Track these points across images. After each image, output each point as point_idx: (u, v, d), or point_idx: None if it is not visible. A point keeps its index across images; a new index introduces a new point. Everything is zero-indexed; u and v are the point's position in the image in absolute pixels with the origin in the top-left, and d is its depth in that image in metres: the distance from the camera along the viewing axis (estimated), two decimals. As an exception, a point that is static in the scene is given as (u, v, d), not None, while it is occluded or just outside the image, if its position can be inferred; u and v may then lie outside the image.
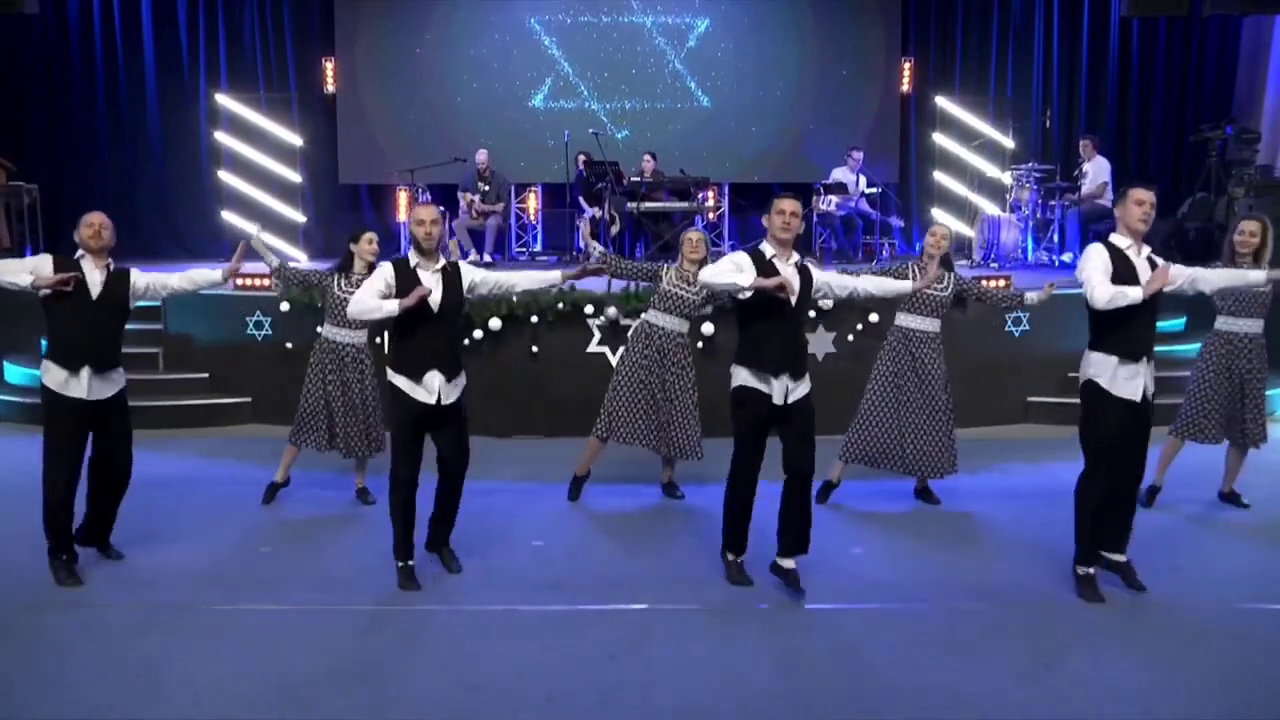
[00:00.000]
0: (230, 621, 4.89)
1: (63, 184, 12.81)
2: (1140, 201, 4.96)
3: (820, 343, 8.41)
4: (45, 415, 5.31)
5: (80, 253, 5.39)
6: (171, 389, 8.88)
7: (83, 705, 4.12)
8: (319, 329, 6.76)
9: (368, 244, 6.59)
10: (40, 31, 12.66)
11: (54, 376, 5.27)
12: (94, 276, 5.33)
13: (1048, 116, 13.23)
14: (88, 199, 12.81)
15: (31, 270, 5.27)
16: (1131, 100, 13.52)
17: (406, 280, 5.05)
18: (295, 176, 12.77)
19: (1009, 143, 12.78)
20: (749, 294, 4.95)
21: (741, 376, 5.10)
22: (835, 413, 6.73)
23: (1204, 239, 11.39)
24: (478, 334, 8.34)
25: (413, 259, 5.13)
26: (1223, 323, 6.44)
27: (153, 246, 13.03)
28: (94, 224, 5.34)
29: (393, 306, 4.98)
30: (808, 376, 5.17)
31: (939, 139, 13.04)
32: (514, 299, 8.28)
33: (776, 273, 4.99)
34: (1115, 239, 5.03)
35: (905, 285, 5.89)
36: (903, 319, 6.55)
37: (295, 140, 12.70)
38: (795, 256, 5.13)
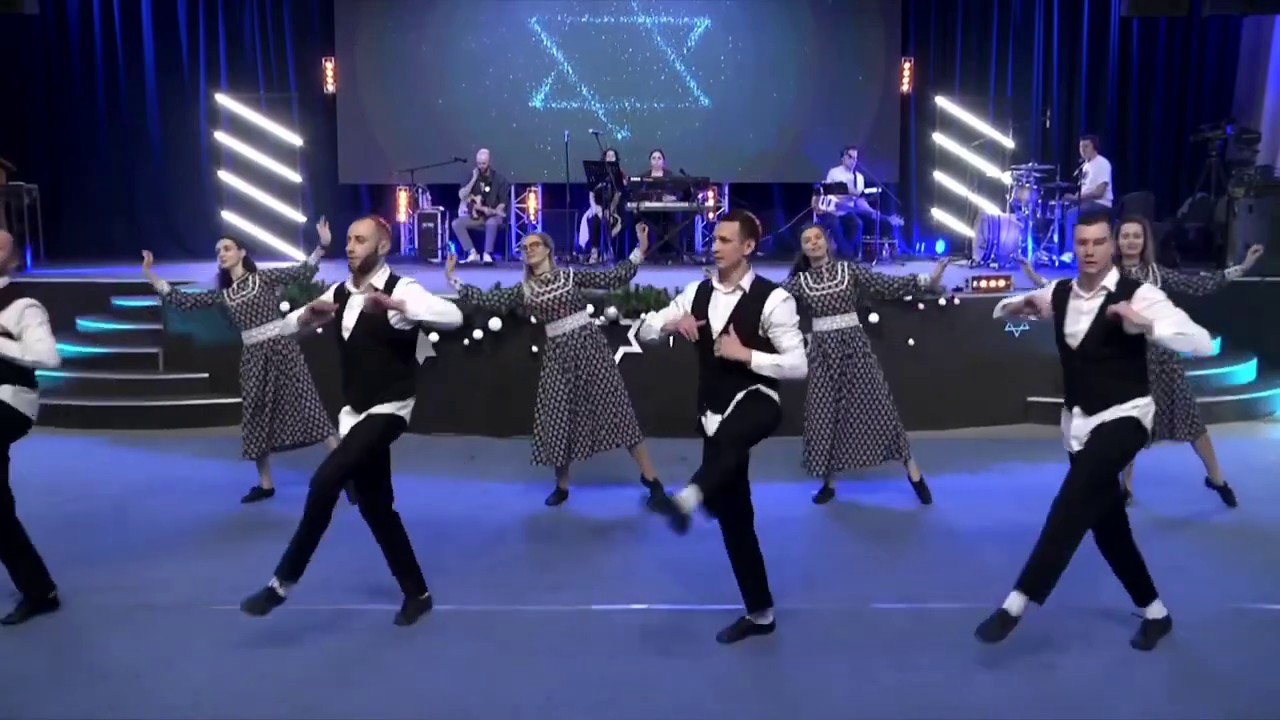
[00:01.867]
0: (230, 621, 4.89)
1: (63, 184, 12.81)
2: (1081, 240, 4.38)
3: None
4: None
5: None
6: (171, 389, 8.88)
7: (83, 705, 4.12)
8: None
9: (225, 250, 6.79)
10: (40, 31, 12.65)
11: None
12: None
13: (1048, 116, 13.22)
14: (88, 199, 12.92)
15: None
16: (1131, 100, 13.52)
17: (340, 302, 4.75)
18: (295, 176, 12.76)
19: (1009, 143, 12.78)
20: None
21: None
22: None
23: (1204, 239, 11.39)
24: (478, 334, 8.33)
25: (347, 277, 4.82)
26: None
27: (153, 246, 12.76)
28: None
29: (290, 321, 4.86)
30: (732, 406, 4.51)
31: (939, 139, 13.04)
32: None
33: (706, 304, 4.52)
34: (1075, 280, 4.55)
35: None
36: (817, 324, 6.55)
37: (295, 140, 12.70)
38: (741, 284, 4.50)
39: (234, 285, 6.77)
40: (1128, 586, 4.68)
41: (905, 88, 13.41)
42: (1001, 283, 8.82)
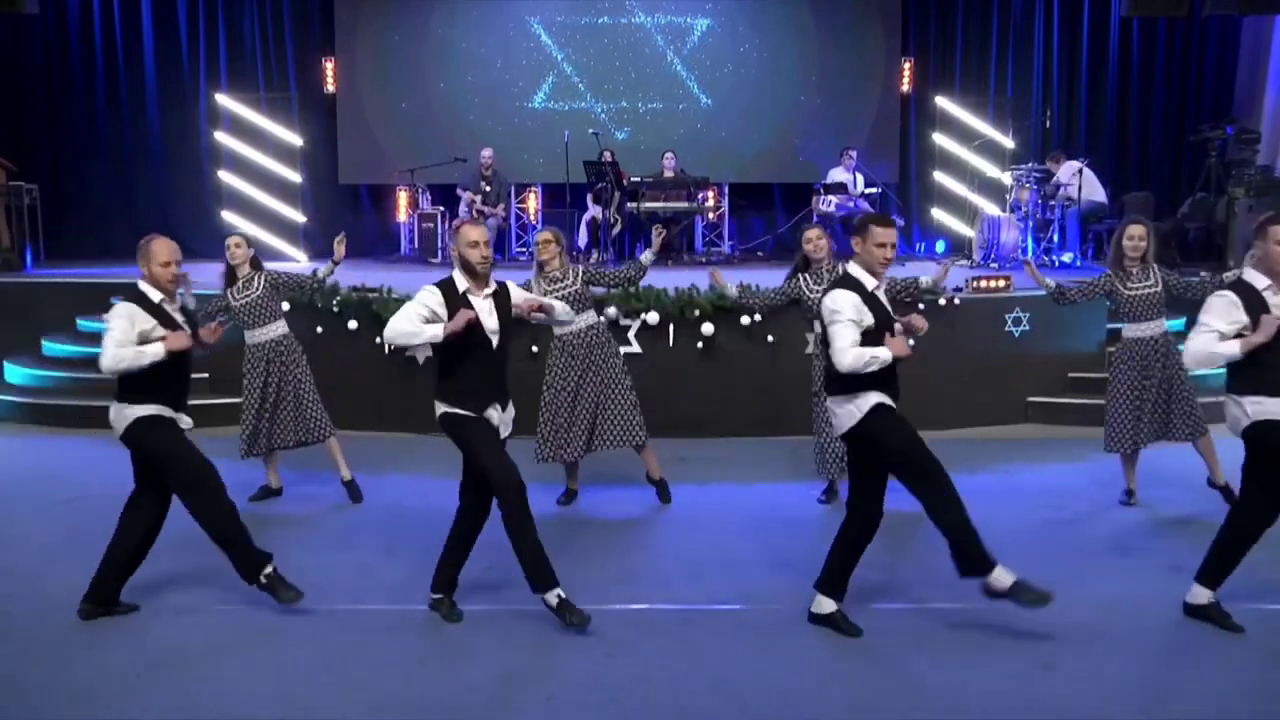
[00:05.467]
0: (230, 622, 4.90)
1: (63, 184, 12.81)
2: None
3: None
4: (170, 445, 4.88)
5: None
6: (171, 389, 8.86)
7: (83, 705, 4.12)
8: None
9: (235, 247, 6.76)
10: (40, 31, 12.65)
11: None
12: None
13: (1048, 116, 13.22)
14: (88, 199, 12.91)
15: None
16: (1131, 100, 13.52)
17: (456, 307, 4.70)
18: (295, 176, 12.76)
19: (1009, 143, 12.77)
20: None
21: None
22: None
23: (1204, 239, 11.40)
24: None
25: (461, 283, 4.77)
26: (1129, 330, 6.45)
27: (153, 247, 13.00)
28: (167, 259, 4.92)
29: (436, 331, 4.63)
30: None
31: (939, 139, 13.03)
32: None
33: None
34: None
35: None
36: (818, 326, 6.49)
37: (295, 140, 12.70)
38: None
39: (239, 284, 6.69)
40: None
41: (905, 88, 13.41)
42: (1001, 283, 8.82)
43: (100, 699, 4.17)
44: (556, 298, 6.42)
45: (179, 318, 4.95)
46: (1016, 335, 8.75)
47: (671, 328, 8.32)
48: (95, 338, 9.48)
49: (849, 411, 4.65)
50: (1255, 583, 5.33)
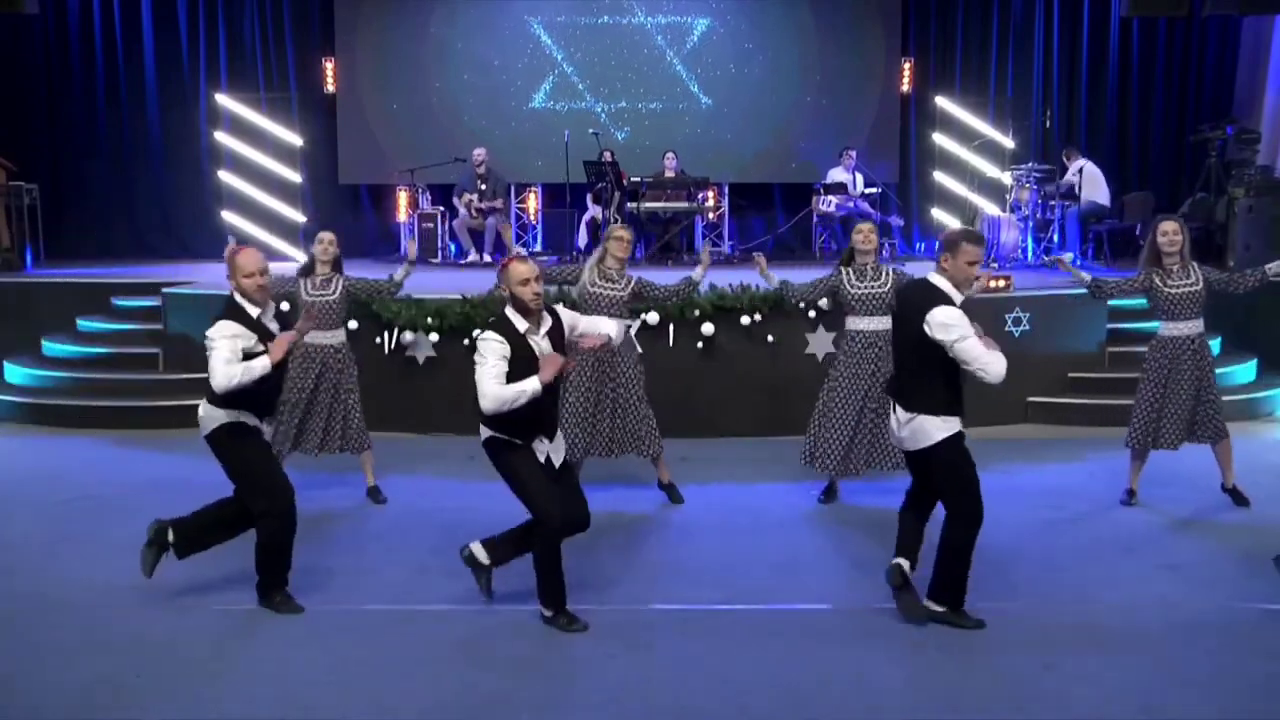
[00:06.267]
0: (231, 622, 4.90)
1: (63, 184, 12.82)
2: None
3: (820, 343, 8.40)
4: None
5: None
6: (171, 389, 8.87)
7: (83, 706, 4.12)
8: None
9: (329, 245, 6.66)
10: (40, 31, 12.65)
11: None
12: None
13: (1048, 116, 13.22)
14: (88, 199, 12.92)
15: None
16: (1131, 100, 13.52)
17: (521, 349, 4.62)
18: (295, 176, 12.76)
19: (1009, 143, 12.77)
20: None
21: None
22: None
23: (1204, 239, 11.39)
24: (477, 333, 8.31)
25: (518, 323, 4.67)
26: (1165, 328, 6.43)
27: (153, 246, 13.03)
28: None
29: (535, 388, 4.52)
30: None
31: (939, 139, 13.03)
32: None
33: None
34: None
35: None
36: (854, 322, 6.51)
37: (295, 140, 12.70)
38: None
39: (315, 280, 6.59)
40: None
41: (905, 88, 13.41)
42: (1001, 283, 8.82)
43: (100, 699, 4.17)
44: (603, 296, 6.38)
45: (274, 326, 4.97)
46: (1016, 335, 8.75)
47: (671, 328, 8.32)
48: (96, 337, 9.49)
49: (931, 430, 4.70)
50: (1256, 582, 5.34)
